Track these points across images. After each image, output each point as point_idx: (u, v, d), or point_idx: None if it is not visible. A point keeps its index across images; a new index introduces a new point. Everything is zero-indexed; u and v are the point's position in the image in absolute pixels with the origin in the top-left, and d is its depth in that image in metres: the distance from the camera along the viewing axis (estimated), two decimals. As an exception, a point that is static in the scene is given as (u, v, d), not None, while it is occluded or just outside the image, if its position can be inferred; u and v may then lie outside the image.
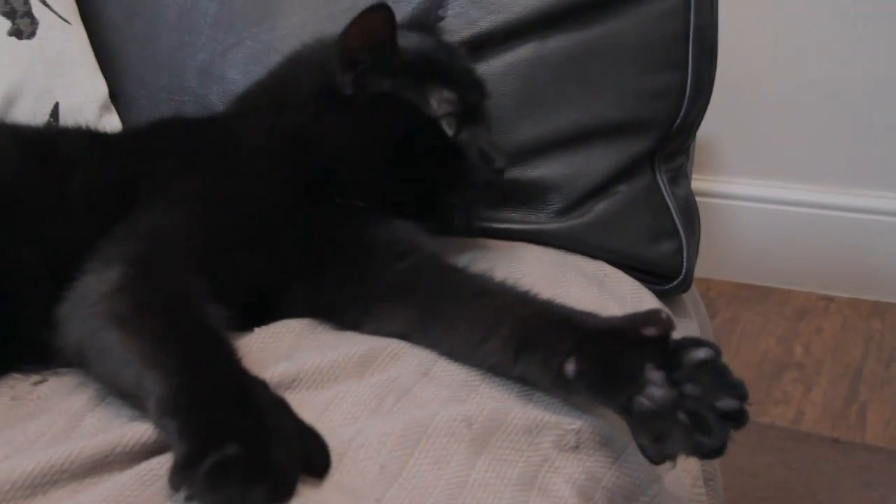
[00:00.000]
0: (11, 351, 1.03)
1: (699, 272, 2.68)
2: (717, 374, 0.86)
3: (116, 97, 1.42)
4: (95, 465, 0.83)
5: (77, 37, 1.40)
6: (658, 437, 0.86)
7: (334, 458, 0.84)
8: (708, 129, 2.33)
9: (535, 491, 0.87)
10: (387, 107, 1.18)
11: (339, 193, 1.16)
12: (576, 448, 0.93)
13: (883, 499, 1.99)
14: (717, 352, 0.87)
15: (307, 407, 0.91)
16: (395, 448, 0.87)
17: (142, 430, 0.86)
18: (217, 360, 0.90)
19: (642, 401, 0.86)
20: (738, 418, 0.85)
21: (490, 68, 1.32)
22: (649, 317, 0.91)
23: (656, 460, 0.88)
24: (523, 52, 1.33)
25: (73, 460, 0.83)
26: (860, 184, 2.68)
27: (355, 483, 0.82)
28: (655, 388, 0.86)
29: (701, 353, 0.86)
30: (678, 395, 0.85)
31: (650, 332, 0.89)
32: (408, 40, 1.21)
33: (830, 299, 2.73)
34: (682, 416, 0.84)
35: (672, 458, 0.87)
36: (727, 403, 0.84)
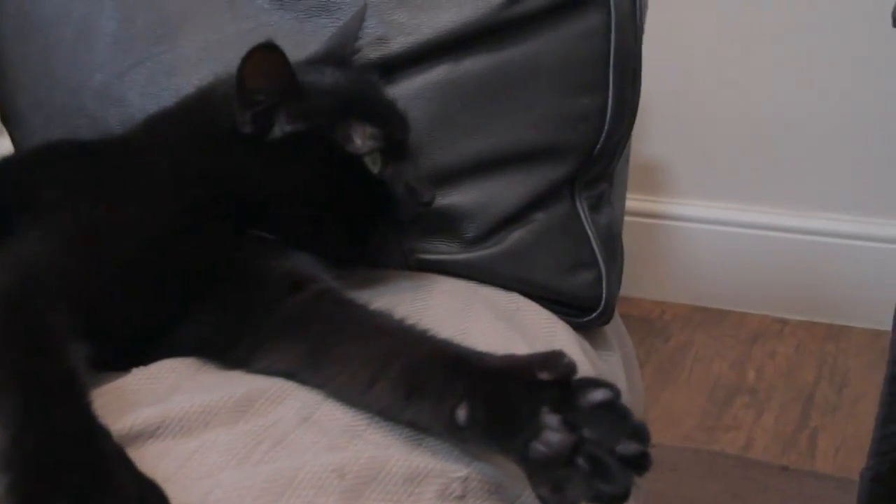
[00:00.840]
0: None
1: (653, 295, 2.68)
2: (617, 417, 0.81)
3: (8, 119, 1.36)
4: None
5: (-38, 57, 1.34)
6: (557, 485, 0.80)
7: (186, 514, 0.78)
8: (661, 151, 2.32)
9: (410, 549, 0.81)
10: (304, 145, 1.14)
11: (254, 227, 1.12)
12: (461, 498, 0.87)
13: (833, 528, 1.96)
14: (616, 393, 0.82)
15: (170, 456, 0.86)
16: (254, 503, 0.80)
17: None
18: (63, 409, 0.83)
19: (538, 447, 0.80)
20: (640, 464, 0.79)
21: (401, 91, 1.27)
22: (547, 359, 0.85)
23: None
24: (435, 74, 1.28)
25: None
26: (814, 206, 2.70)
27: (206, 544, 0.77)
28: (552, 433, 0.80)
29: (598, 395, 0.81)
30: (576, 439, 0.80)
31: (544, 375, 0.84)
32: (324, 75, 1.18)
33: (785, 322, 2.73)
34: (581, 462, 0.79)
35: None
36: (628, 448, 0.79)
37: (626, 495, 0.78)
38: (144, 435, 0.88)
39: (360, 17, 1.25)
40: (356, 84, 1.20)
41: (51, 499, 0.74)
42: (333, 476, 0.84)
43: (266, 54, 1.09)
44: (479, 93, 1.28)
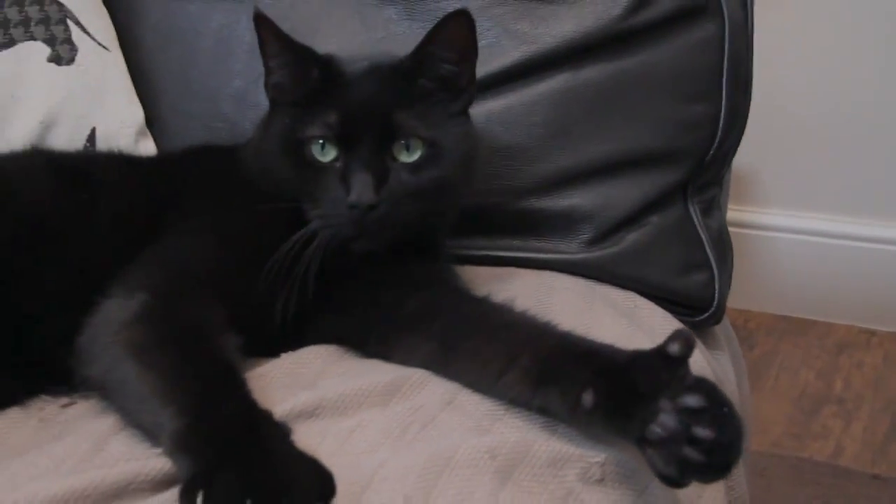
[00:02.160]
0: (41, 373, 1.05)
1: (738, 303, 2.67)
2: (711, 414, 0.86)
3: (152, 123, 1.44)
4: (117, 493, 0.85)
5: (115, 63, 1.42)
6: (668, 461, 0.86)
7: (358, 488, 0.85)
8: (746, 159, 2.33)
9: (560, 524, 0.86)
10: (271, 123, 1.18)
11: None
12: (601, 481, 0.93)
13: (923, 535, 1.97)
14: (714, 400, 0.86)
15: (330, 435, 0.92)
16: (418, 480, 0.86)
17: (163, 461, 0.87)
18: (226, 396, 0.91)
19: (655, 429, 0.86)
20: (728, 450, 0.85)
21: (522, 98, 1.32)
22: (674, 336, 0.91)
23: (666, 479, 0.87)
24: (555, 82, 1.33)
25: (97, 486, 0.84)
26: None
27: (379, 513, 0.82)
28: (667, 417, 0.86)
29: (693, 401, 0.86)
30: (685, 424, 0.85)
31: (674, 349, 0.89)
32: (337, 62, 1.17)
33: (872, 333, 2.71)
34: (688, 448, 0.84)
35: (679, 478, 0.86)
36: (707, 433, 0.84)
37: (722, 469, 0.85)
38: (304, 415, 0.95)
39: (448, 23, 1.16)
40: (342, 72, 1.16)
41: (225, 479, 0.80)
42: (486, 457, 0.90)
43: (262, 23, 1.14)
44: (597, 100, 1.33)
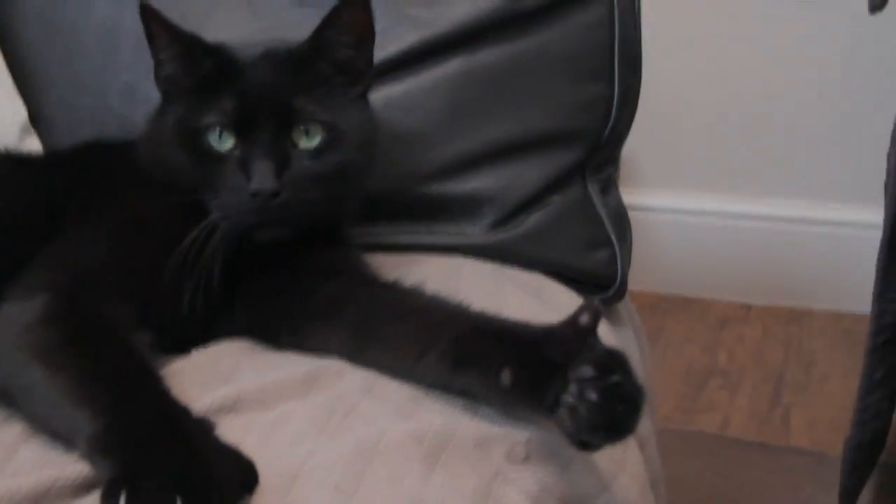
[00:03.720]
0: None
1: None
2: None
3: (37, 120, 1.38)
4: (36, 499, 0.81)
5: (-9, 58, 1.37)
6: (579, 425, 0.87)
7: (287, 480, 0.83)
8: (625, 142, 2.34)
9: (491, 504, 0.86)
10: (164, 114, 1.14)
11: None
12: (526, 459, 0.93)
13: (811, 500, 2.03)
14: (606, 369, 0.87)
15: (253, 428, 0.90)
16: (347, 468, 0.85)
17: (81, 466, 0.84)
18: (143, 394, 0.89)
19: (567, 398, 0.87)
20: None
21: (419, 83, 1.32)
22: (583, 306, 0.92)
23: (585, 445, 0.89)
24: (452, 66, 1.33)
25: (13, 495, 0.80)
26: (772, 193, 2.75)
27: (313, 502, 0.81)
28: (577, 386, 0.86)
29: (586, 372, 0.87)
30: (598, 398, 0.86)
31: (584, 319, 0.90)
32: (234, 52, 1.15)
33: (749, 307, 2.78)
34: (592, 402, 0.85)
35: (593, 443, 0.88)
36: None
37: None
38: (224, 409, 0.93)
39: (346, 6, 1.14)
40: (239, 57, 1.14)
41: (149, 477, 0.78)
42: (413, 442, 0.89)
43: (149, 15, 1.11)
44: (493, 83, 1.33)
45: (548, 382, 0.88)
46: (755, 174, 2.75)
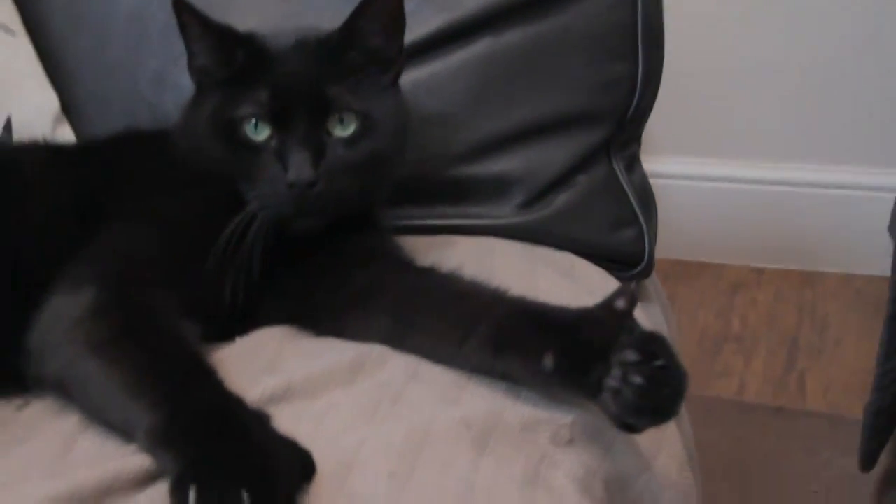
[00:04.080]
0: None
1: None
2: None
3: (68, 109, 1.39)
4: (102, 492, 0.83)
5: (23, 48, 1.37)
6: (624, 409, 0.89)
7: (343, 468, 0.85)
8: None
9: (540, 488, 0.88)
10: (199, 105, 1.15)
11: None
12: (570, 442, 0.95)
13: (828, 463, 2.04)
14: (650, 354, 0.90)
15: (304, 418, 0.92)
16: (401, 455, 0.87)
17: (143, 458, 0.86)
18: (200, 385, 0.91)
19: (610, 382, 0.89)
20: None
21: (445, 65, 1.33)
22: (619, 291, 0.95)
23: (628, 427, 0.92)
24: (477, 48, 1.33)
25: (81, 488, 0.82)
26: (781, 157, 2.75)
27: (368, 491, 0.84)
28: (620, 370, 0.89)
29: (630, 356, 0.89)
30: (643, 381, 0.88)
31: (620, 304, 0.93)
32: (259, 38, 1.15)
33: (761, 271, 2.80)
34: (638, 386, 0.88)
35: (638, 425, 0.92)
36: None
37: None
38: (275, 399, 0.94)
39: None
40: (274, 48, 1.14)
41: (215, 471, 0.80)
42: (462, 427, 0.91)
43: (182, 8, 1.12)
44: (519, 64, 1.34)
45: (590, 366, 0.91)
46: (764, 139, 2.75)
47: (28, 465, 0.88)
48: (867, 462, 1.78)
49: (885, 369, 1.74)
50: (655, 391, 0.88)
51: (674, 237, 2.82)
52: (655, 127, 2.72)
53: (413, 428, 0.90)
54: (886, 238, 2.57)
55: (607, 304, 0.94)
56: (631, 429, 0.92)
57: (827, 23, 2.59)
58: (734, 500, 1.99)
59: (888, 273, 2.55)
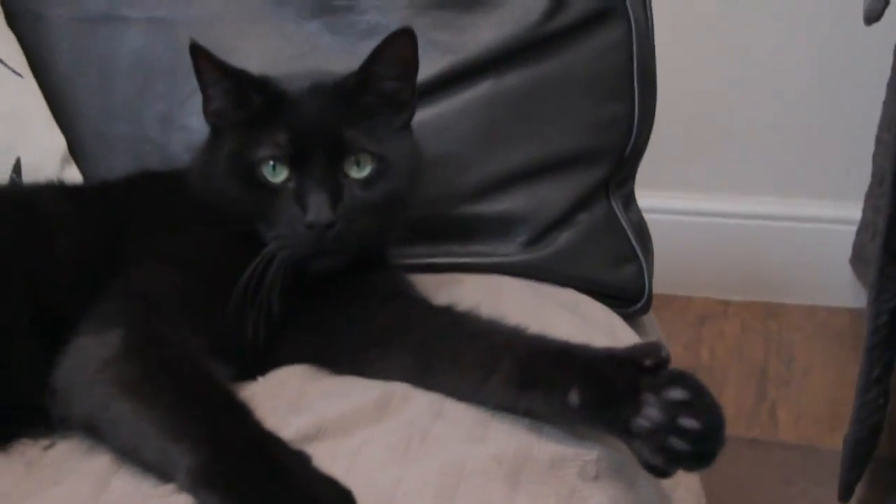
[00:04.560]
0: (13, 417, 1.02)
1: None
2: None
3: (73, 149, 1.40)
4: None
5: (30, 90, 1.38)
6: (656, 452, 0.91)
7: (384, 505, 0.87)
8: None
9: (573, 522, 0.90)
10: (217, 147, 1.17)
11: None
12: (597, 477, 0.97)
13: (803, 493, 2.06)
14: (696, 390, 0.92)
15: (338, 456, 0.94)
16: (438, 492, 0.89)
17: (184, 498, 0.87)
18: (239, 425, 0.92)
19: (641, 421, 0.91)
20: (710, 436, 0.91)
21: (450, 106, 1.36)
22: (650, 348, 0.97)
23: (653, 469, 0.94)
24: (481, 89, 1.37)
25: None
26: (746, 191, 2.78)
27: (411, 529, 0.85)
28: (651, 409, 0.91)
29: (678, 394, 0.91)
30: (670, 417, 0.90)
31: (649, 362, 0.95)
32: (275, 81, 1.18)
33: (728, 303, 2.82)
34: (672, 437, 0.90)
35: (664, 468, 0.93)
36: (693, 424, 0.90)
37: (707, 458, 0.92)
38: (308, 438, 0.96)
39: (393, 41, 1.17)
40: (290, 90, 1.16)
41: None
42: (494, 464, 0.93)
43: (199, 53, 1.14)
44: (521, 105, 1.37)
45: (616, 404, 0.93)
46: (730, 174, 2.78)
47: (64, 507, 0.89)
48: (845, 493, 1.81)
49: (863, 401, 1.77)
50: (696, 434, 0.89)
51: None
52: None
53: (446, 465, 0.92)
54: (848, 270, 2.63)
55: (631, 353, 0.97)
56: (659, 472, 0.94)
57: (788, 60, 2.64)
58: (712, 533, 2.01)
59: (850, 304, 2.62)
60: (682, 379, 0.93)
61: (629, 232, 1.40)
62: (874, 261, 1.75)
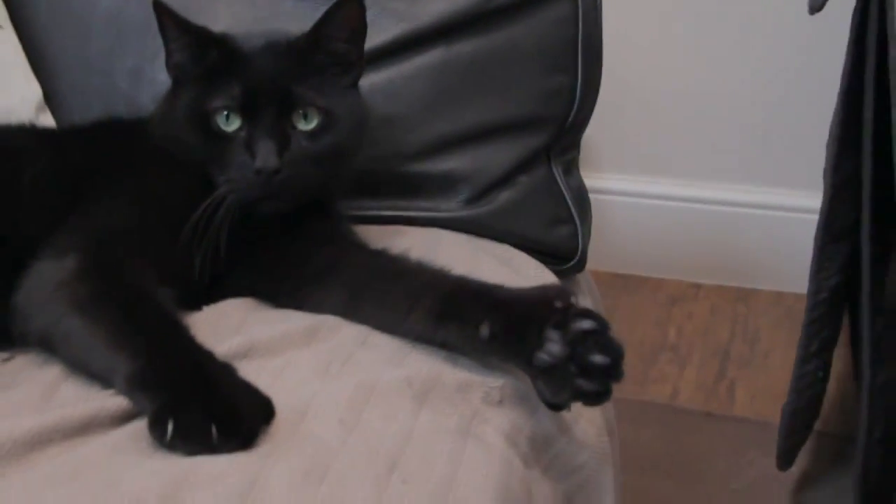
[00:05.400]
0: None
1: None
2: (602, 341, 1.00)
3: (49, 99, 1.50)
4: (85, 425, 0.94)
5: (10, 41, 1.47)
6: (553, 385, 1.01)
7: (298, 415, 0.97)
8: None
9: (471, 438, 1.00)
10: (176, 97, 1.27)
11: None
12: (500, 403, 1.07)
13: (753, 463, 2.13)
14: (603, 324, 1.01)
15: (264, 372, 1.03)
16: (349, 405, 0.99)
17: (121, 400, 0.98)
18: (174, 339, 1.02)
19: (541, 356, 1.00)
20: (616, 373, 1.00)
21: (401, 71, 1.45)
22: (560, 291, 1.06)
23: (553, 405, 1.04)
24: (431, 56, 1.45)
25: (67, 420, 0.93)
26: (719, 178, 2.83)
27: (320, 433, 0.95)
28: (552, 345, 1.00)
29: (586, 324, 1.00)
30: (570, 351, 0.99)
31: (558, 304, 1.04)
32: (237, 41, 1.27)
33: (699, 287, 2.87)
34: (573, 368, 0.99)
35: (566, 404, 1.03)
36: (606, 360, 0.99)
37: (605, 394, 1.00)
38: (238, 356, 1.06)
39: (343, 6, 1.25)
40: (245, 44, 1.25)
41: (189, 409, 0.92)
42: (404, 385, 1.03)
43: (162, 10, 1.24)
44: (469, 73, 1.46)
45: (523, 337, 1.02)
46: (703, 161, 2.82)
47: (15, 406, 0.99)
48: (784, 461, 1.89)
49: (801, 372, 1.84)
50: (601, 369, 0.98)
51: (616, 252, 2.92)
52: (599, 146, 2.84)
53: (361, 384, 1.02)
54: (816, 259, 2.70)
55: (544, 293, 1.06)
56: (556, 408, 1.04)
57: (766, 51, 2.68)
58: (663, 494, 2.08)
59: (817, 291, 2.68)
60: (589, 314, 1.01)
61: (567, 196, 1.48)
62: (815, 239, 1.83)
